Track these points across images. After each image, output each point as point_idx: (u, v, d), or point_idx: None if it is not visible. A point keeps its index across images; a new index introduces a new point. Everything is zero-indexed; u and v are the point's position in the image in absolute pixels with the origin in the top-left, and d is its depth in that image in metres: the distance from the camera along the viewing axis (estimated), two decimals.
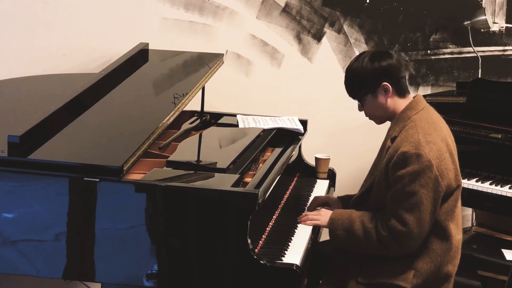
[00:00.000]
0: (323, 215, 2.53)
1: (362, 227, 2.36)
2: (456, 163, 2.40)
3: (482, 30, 4.49)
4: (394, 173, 2.30)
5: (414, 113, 2.41)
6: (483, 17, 4.24)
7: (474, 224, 4.01)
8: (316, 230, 2.66)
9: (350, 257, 2.47)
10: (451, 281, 2.44)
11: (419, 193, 2.26)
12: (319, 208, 2.69)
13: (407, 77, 2.49)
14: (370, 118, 2.53)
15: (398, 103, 2.45)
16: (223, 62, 3.20)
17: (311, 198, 2.91)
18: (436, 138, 2.33)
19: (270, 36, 3.81)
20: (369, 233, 2.34)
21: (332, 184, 3.24)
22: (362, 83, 2.44)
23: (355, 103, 2.54)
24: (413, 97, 2.48)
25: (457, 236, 2.42)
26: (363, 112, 2.53)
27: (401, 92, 2.46)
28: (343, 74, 2.51)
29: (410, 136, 2.32)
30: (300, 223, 2.57)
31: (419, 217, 2.27)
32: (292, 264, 2.20)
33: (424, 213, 2.28)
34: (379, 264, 2.38)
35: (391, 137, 2.41)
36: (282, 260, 2.28)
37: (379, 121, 2.53)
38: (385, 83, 2.42)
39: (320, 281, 2.59)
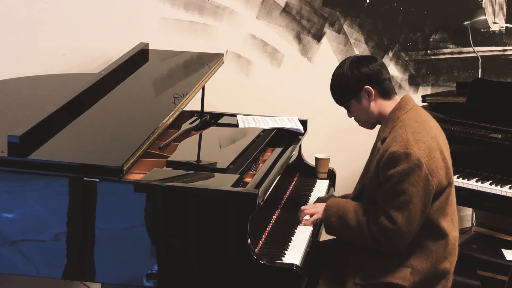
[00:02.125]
0: (318, 207, 2.55)
1: (356, 218, 2.38)
2: (447, 161, 2.40)
3: (482, 30, 4.49)
4: (384, 173, 2.32)
5: (402, 113, 2.43)
6: (483, 17, 4.24)
7: (474, 224, 4.01)
8: (316, 230, 2.66)
9: (347, 257, 2.47)
10: (449, 278, 2.44)
11: (409, 191, 2.28)
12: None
13: (390, 79, 2.52)
14: (360, 124, 2.57)
15: (384, 106, 2.47)
16: (223, 62, 3.20)
17: (311, 198, 2.91)
18: (425, 137, 2.34)
19: (270, 36, 3.81)
20: (361, 225, 2.36)
21: (332, 184, 3.24)
22: (344, 89, 2.49)
23: None
24: (402, 98, 2.49)
25: (453, 233, 2.42)
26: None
27: (385, 94, 2.48)
28: None
29: (399, 136, 2.34)
30: (301, 221, 2.58)
31: (408, 216, 2.29)
32: (292, 264, 2.20)
33: (413, 212, 2.29)
34: (376, 265, 2.39)
35: (381, 139, 2.43)
36: (282, 260, 2.28)
37: (368, 125, 2.56)
38: (366, 86, 2.45)
39: (319, 280, 2.59)
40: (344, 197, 2.73)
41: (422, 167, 2.28)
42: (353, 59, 2.51)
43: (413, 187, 2.27)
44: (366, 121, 2.52)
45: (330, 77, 2.53)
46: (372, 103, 2.47)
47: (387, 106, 2.47)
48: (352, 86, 2.47)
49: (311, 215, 2.58)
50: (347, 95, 2.49)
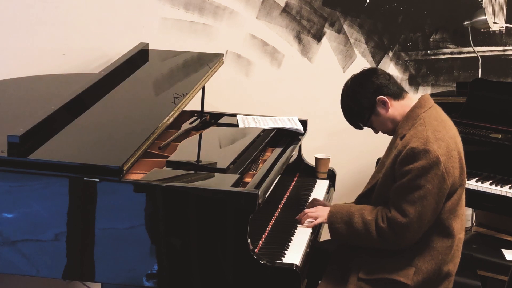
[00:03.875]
0: (322, 210, 2.55)
1: (362, 220, 2.38)
2: (463, 162, 2.41)
3: (482, 30, 4.49)
4: (401, 168, 2.32)
5: (423, 111, 2.43)
6: (483, 17, 4.24)
7: (474, 224, 4.01)
8: (316, 230, 2.66)
9: (351, 253, 2.47)
10: (451, 280, 2.45)
11: (424, 188, 2.28)
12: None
13: (395, 80, 2.52)
14: (389, 134, 2.54)
15: (401, 106, 2.47)
16: (223, 62, 3.20)
17: (311, 198, 2.90)
18: (445, 136, 2.34)
19: (270, 36, 3.81)
20: (368, 225, 2.36)
21: (332, 184, 3.24)
22: (360, 111, 2.50)
23: None
24: (421, 97, 2.50)
25: (459, 235, 2.43)
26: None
27: (398, 95, 2.48)
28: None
29: (419, 132, 2.34)
30: (300, 223, 2.58)
31: (421, 212, 2.29)
32: (292, 264, 2.20)
33: (426, 208, 2.29)
34: (380, 261, 2.39)
35: (400, 135, 2.42)
36: (282, 260, 2.28)
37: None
38: (379, 97, 2.45)
39: (322, 277, 2.59)
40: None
41: (440, 165, 2.28)
42: (353, 82, 2.52)
43: (429, 184, 2.28)
44: (393, 128, 2.50)
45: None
46: (390, 110, 2.46)
47: (404, 105, 2.48)
48: (365, 104, 2.47)
49: (314, 218, 2.57)
50: (365, 115, 2.49)
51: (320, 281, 2.50)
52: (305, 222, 2.58)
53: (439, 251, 2.37)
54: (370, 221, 2.36)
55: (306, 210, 2.61)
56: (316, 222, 2.55)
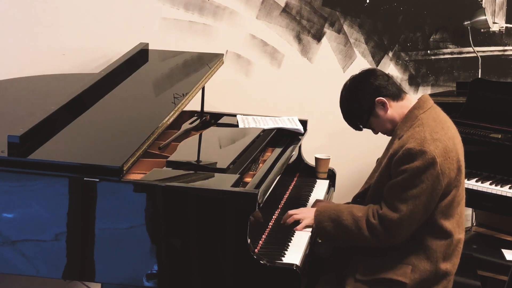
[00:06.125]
0: (306, 212, 2.52)
1: (351, 217, 2.37)
2: (461, 163, 2.40)
3: (482, 30, 4.49)
4: (397, 168, 2.32)
5: (421, 112, 2.43)
6: (483, 17, 4.24)
7: (474, 224, 4.01)
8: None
9: (346, 257, 2.47)
10: (450, 279, 2.44)
11: (418, 187, 2.28)
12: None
13: (394, 81, 2.51)
14: (388, 135, 2.53)
15: (400, 107, 2.47)
16: (223, 62, 3.19)
17: (311, 198, 2.91)
18: (443, 137, 2.34)
19: (270, 36, 3.81)
20: (359, 222, 2.35)
21: (332, 184, 3.24)
22: (359, 113, 2.50)
23: None
24: (420, 97, 2.50)
25: (457, 235, 2.42)
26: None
27: (397, 96, 2.48)
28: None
29: (416, 133, 2.34)
30: (286, 224, 2.53)
31: (412, 210, 2.29)
32: (292, 264, 2.20)
33: (418, 207, 2.29)
34: (377, 261, 2.39)
35: (398, 136, 2.42)
36: (282, 260, 2.28)
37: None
38: (377, 98, 2.45)
39: (320, 279, 2.59)
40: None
41: (436, 166, 2.28)
42: (351, 83, 2.52)
43: (423, 183, 2.28)
44: (392, 128, 2.49)
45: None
46: (389, 111, 2.46)
47: (403, 106, 2.47)
48: (364, 106, 2.47)
49: (299, 220, 2.51)
50: (364, 116, 2.49)
51: (317, 284, 2.50)
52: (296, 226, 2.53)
53: (433, 249, 2.37)
54: (361, 217, 2.36)
55: (290, 212, 2.56)
56: (302, 225, 2.50)
